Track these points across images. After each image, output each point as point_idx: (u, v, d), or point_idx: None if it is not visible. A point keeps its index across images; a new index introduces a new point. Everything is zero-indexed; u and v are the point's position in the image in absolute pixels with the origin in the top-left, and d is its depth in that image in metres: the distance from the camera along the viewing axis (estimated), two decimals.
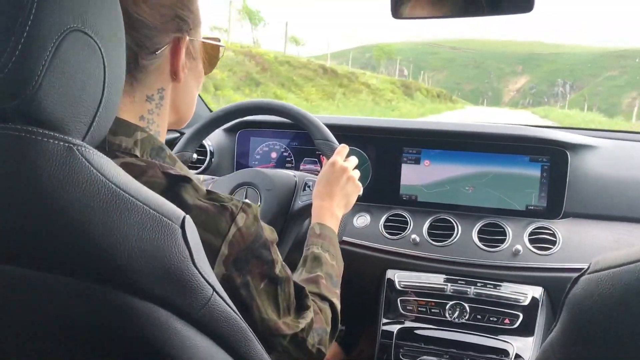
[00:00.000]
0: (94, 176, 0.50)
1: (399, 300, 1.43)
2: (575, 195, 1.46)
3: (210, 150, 1.68)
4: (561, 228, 1.42)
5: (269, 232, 0.75)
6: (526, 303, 1.34)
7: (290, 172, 1.28)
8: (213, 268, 0.62)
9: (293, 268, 0.96)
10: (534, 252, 1.38)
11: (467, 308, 1.37)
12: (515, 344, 1.31)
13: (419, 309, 1.41)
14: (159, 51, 0.71)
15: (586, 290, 0.49)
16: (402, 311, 1.42)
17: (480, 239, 1.44)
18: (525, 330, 1.32)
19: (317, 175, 1.18)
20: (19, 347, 0.53)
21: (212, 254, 0.65)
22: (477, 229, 1.46)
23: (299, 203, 1.20)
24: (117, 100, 0.59)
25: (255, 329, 0.66)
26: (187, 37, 0.74)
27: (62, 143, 0.50)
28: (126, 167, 0.62)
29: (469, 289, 1.38)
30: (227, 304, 0.59)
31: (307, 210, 1.16)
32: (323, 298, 0.90)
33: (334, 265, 0.99)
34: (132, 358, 0.52)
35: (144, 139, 0.70)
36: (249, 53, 16.59)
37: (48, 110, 0.50)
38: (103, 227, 0.49)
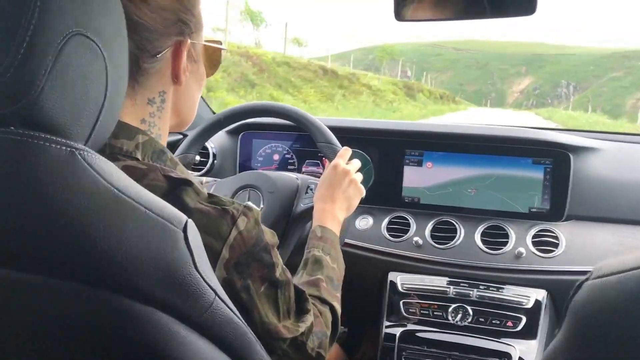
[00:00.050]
0: (96, 180, 0.50)
1: (401, 303, 1.42)
2: (578, 198, 1.45)
3: (212, 153, 1.68)
4: (564, 231, 1.42)
5: (270, 236, 0.75)
6: (529, 306, 1.33)
7: (293, 175, 1.28)
8: (214, 271, 0.62)
9: (295, 271, 0.96)
10: (537, 255, 1.38)
11: (470, 311, 1.36)
12: (518, 347, 1.30)
13: (422, 311, 1.40)
14: (160, 54, 0.71)
15: (590, 296, 0.48)
16: (404, 314, 1.41)
17: (483, 242, 1.44)
18: (529, 333, 1.32)
19: (319, 177, 1.18)
20: (20, 350, 0.53)
21: (213, 257, 0.64)
22: (480, 232, 1.46)
23: (301, 206, 1.19)
24: (120, 104, 0.59)
25: (255, 332, 0.66)
26: (189, 41, 0.74)
27: (64, 147, 0.50)
28: (127, 170, 0.62)
29: (471, 292, 1.38)
30: (229, 308, 0.59)
31: (309, 213, 1.16)
32: (323, 301, 0.89)
33: (335, 268, 0.99)
34: None
35: (145, 142, 0.70)
36: (245, 54, 16.39)
37: (50, 114, 0.50)
38: (105, 231, 0.49)
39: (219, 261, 0.66)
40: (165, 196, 0.63)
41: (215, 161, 1.68)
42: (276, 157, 1.72)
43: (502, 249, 1.41)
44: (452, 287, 1.40)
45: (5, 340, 0.52)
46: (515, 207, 1.49)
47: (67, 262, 0.49)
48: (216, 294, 0.56)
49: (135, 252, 0.50)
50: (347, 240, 1.43)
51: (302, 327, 0.78)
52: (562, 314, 0.52)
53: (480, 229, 1.46)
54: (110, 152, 0.67)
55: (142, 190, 0.54)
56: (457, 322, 1.36)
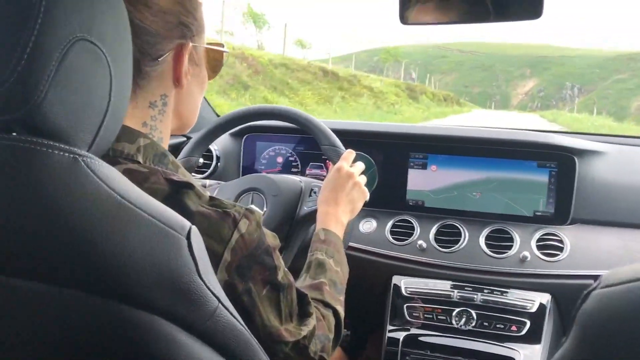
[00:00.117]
0: (98, 187, 0.50)
1: (405, 306, 1.42)
2: (583, 201, 1.44)
3: (216, 155, 1.68)
4: (569, 234, 1.41)
5: (272, 239, 0.74)
6: (533, 310, 1.33)
7: (297, 178, 1.27)
8: (215, 274, 0.62)
9: (298, 274, 0.95)
10: (542, 259, 1.37)
11: (474, 315, 1.35)
12: (523, 352, 1.30)
13: (426, 315, 1.39)
14: (161, 58, 0.71)
15: (599, 305, 0.48)
16: (408, 318, 1.40)
17: (488, 245, 1.43)
18: (533, 337, 1.31)
19: (323, 180, 1.17)
20: (20, 358, 0.52)
21: (214, 260, 0.64)
22: (485, 235, 1.45)
23: (305, 209, 1.19)
24: (124, 110, 0.59)
25: (257, 335, 0.66)
26: (191, 44, 0.74)
27: (66, 154, 0.50)
28: (129, 173, 0.62)
29: (475, 296, 1.37)
30: (232, 314, 0.58)
31: (312, 216, 1.16)
32: (326, 305, 0.89)
33: (339, 271, 0.98)
34: None
35: (146, 145, 0.70)
36: (240, 55, 16.04)
37: (53, 120, 0.49)
38: (108, 238, 0.49)
39: (220, 264, 0.66)
40: (167, 199, 0.63)
41: (218, 164, 1.68)
42: (280, 159, 1.72)
43: (506, 252, 1.40)
44: (456, 291, 1.39)
45: (6, 348, 0.52)
46: (520, 210, 1.48)
47: (70, 269, 0.49)
48: (219, 301, 0.56)
49: (138, 259, 0.49)
50: (350, 244, 1.43)
51: (305, 330, 0.77)
52: (569, 323, 0.52)
53: (485, 232, 1.45)
54: (112, 155, 0.67)
55: (145, 197, 0.53)
56: (461, 326, 1.35)
